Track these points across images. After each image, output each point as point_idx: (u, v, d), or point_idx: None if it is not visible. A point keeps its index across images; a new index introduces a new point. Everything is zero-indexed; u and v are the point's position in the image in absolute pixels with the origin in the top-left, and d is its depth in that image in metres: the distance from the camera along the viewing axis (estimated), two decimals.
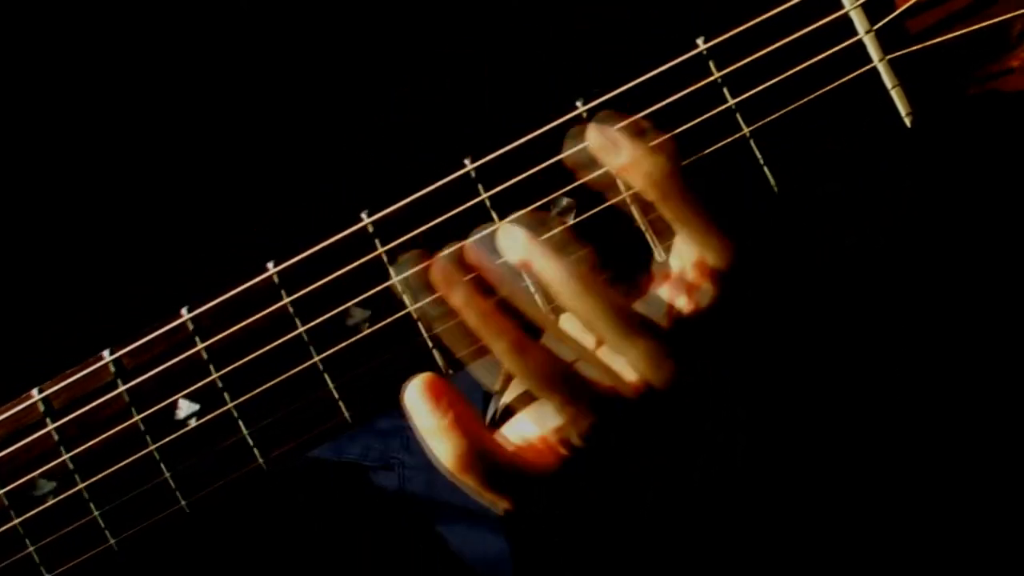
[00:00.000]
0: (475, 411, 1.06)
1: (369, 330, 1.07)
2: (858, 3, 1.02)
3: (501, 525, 1.30)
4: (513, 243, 1.03)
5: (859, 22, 1.02)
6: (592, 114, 1.04)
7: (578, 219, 1.05)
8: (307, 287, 1.07)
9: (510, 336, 1.03)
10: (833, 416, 1.29)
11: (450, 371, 1.07)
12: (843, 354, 1.28)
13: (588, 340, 1.04)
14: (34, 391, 1.10)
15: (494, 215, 1.05)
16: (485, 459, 1.05)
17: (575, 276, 1.01)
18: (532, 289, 1.04)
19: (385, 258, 1.06)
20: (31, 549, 1.11)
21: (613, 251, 1.04)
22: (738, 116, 1.04)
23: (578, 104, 1.05)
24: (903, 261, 1.18)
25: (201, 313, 1.08)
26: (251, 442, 1.09)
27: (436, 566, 1.36)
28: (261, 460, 1.09)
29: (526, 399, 1.08)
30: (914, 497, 1.31)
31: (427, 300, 1.04)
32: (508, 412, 1.10)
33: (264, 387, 1.08)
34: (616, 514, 1.26)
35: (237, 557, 1.35)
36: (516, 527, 1.30)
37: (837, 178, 1.03)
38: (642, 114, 1.04)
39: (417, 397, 1.05)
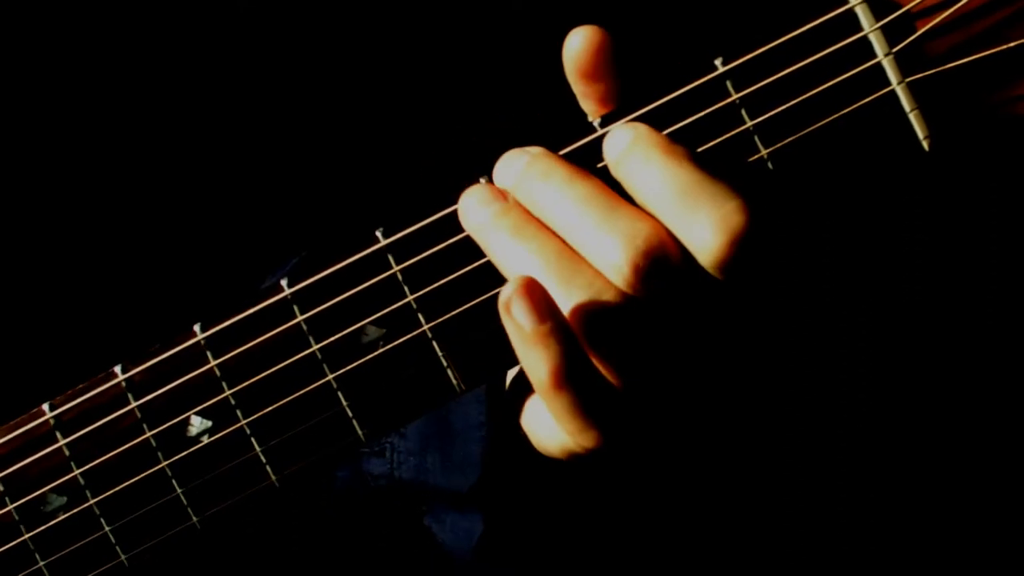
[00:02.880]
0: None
1: (384, 348, 1.07)
2: (877, 26, 1.02)
3: (479, 509, 1.28)
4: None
5: (878, 45, 1.02)
6: None
7: None
8: (321, 305, 1.07)
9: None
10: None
11: (463, 387, 1.07)
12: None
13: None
14: (44, 406, 1.10)
15: None
16: (586, 373, 0.97)
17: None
18: None
19: (400, 277, 1.06)
20: (41, 565, 1.11)
21: None
22: (756, 138, 1.03)
23: (596, 125, 1.04)
24: (916, 281, 1.18)
25: (214, 329, 1.08)
26: (264, 459, 1.09)
27: (424, 557, 1.35)
28: (274, 478, 1.09)
29: None
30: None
31: None
32: None
33: (278, 404, 1.08)
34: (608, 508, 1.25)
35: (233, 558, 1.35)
36: (494, 511, 1.29)
37: (854, 199, 1.03)
38: (664, 132, 1.04)
39: (516, 296, 0.97)
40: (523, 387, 1.06)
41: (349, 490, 1.35)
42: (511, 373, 1.11)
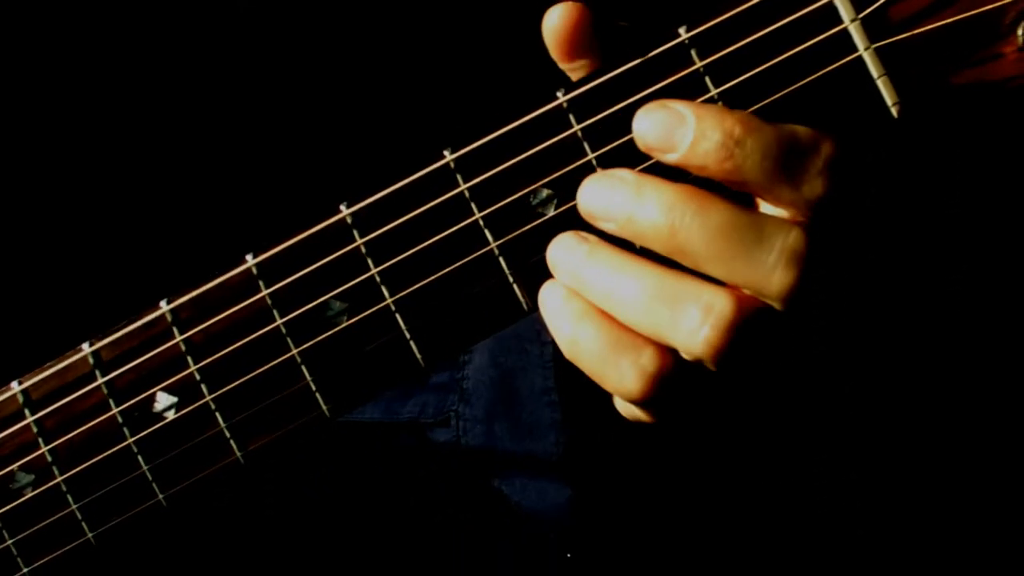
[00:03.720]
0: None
1: (347, 322, 1.06)
2: None
3: (564, 473, 1.29)
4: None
5: (844, 10, 1.00)
6: (572, 104, 1.03)
7: (559, 210, 1.04)
8: (286, 279, 1.06)
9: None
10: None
11: (424, 363, 1.06)
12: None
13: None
14: (14, 383, 1.10)
15: (473, 207, 1.04)
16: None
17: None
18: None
19: (364, 249, 1.05)
20: (9, 543, 1.10)
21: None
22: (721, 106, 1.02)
23: (558, 95, 1.03)
24: (887, 251, 1.17)
25: (180, 305, 1.08)
26: (228, 435, 1.08)
27: (495, 521, 1.36)
28: (239, 454, 1.08)
29: None
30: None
31: None
32: None
33: (243, 380, 1.07)
34: (687, 464, 1.25)
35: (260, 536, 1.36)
36: (581, 474, 1.30)
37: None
38: (624, 104, 1.02)
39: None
40: None
41: (416, 456, 1.36)
42: None
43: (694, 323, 0.98)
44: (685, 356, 1.00)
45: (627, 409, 1.04)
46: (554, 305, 1.03)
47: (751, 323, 0.99)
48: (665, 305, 0.99)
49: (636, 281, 1.00)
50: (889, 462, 1.28)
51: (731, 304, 0.99)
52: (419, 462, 1.37)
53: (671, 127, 0.99)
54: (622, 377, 1.00)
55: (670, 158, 1.00)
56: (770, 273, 0.98)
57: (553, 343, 1.18)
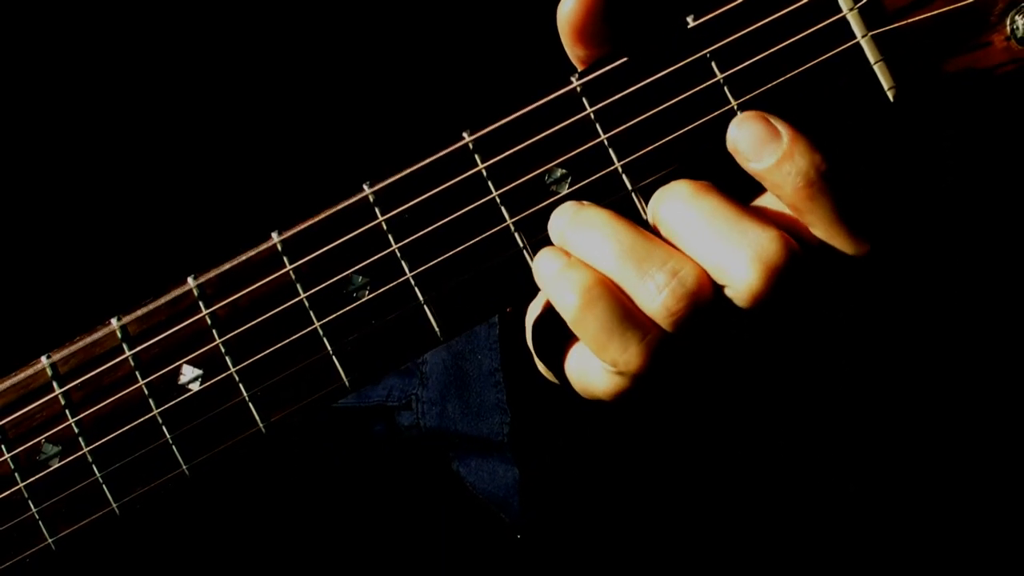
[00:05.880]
0: None
1: (368, 296, 1.10)
2: None
3: (513, 455, 1.33)
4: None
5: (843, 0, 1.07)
6: (585, 88, 1.08)
7: (572, 188, 1.09)
8: (309, 255, 1.11)
9: None
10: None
11: (444, 335, 1.10)
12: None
13: None
14: (42, 358, 1.13)
15: (490, 185, 1.09)
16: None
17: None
18: None
19: (385, 226, 1.10)
20: (34, 511, 1.13)
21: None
22: (726, 90, 1.08)
23: (572, 79, 1.09)
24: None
25: (206, 281, 1.12)
26: (252, 406, 1.11)
27: (451, 501, 1.39)
28: (261, 424, 1.12)
29: None
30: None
31: None
32: None
33: (266, 352, 1.11)
34: (631, 448, 1.29)
35: (250, 514, 1.38)
36: (527, 455, 1.33)
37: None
38: (633, 88, 1.08)
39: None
40: (554, 336, 1.10)
41: (385, 441, 1.40)
42: (530, 324, 1.14)
43: (657, 284, 1.04)
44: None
45: (593, 380, 1.08)
46: (541, 260, 1.08)
47: (712, 300, 1.03)
48: (634, 263, 1.04)
49: (612, 237, 1.05)
50: (880, 457, 1.31)
51: (695, 274, 1.04)
52: (387, 446, 1.41)
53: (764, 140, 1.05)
54: (593, 324, 1.04)
55: (753, 167, 1.05)
56: (737, 267, 1.03)
57: (500, 325, 1.23)
